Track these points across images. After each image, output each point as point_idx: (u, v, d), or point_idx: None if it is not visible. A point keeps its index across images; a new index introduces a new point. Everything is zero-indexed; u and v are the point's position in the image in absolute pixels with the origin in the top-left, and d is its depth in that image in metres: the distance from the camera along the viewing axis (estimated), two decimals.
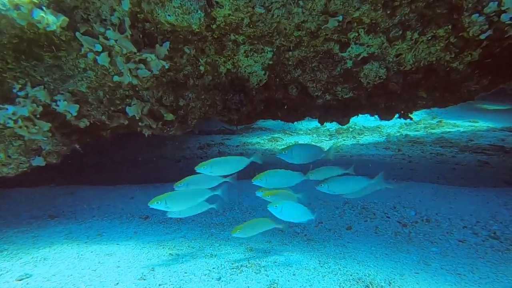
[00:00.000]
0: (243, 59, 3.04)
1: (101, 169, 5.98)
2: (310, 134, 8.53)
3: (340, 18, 2.64)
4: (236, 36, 2.84)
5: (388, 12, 2.65)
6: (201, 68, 3.03)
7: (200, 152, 6.94)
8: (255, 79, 3.20)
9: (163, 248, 2.87)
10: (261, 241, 3.00)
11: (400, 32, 2.75)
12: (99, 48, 2.46)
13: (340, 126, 9.06)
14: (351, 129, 8.66)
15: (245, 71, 3.14)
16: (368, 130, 8.60)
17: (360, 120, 9.66)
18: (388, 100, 3.57)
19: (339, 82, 3.28)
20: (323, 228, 3.31)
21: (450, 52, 2.93)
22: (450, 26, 2.70)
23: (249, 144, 7.52)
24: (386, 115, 3.75)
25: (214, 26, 2.66)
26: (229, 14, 2.52)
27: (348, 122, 3.95)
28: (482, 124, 8.32)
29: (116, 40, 2.42)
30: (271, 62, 3.11)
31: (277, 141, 7.71)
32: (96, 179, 5.20)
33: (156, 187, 4.55)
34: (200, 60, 2.98)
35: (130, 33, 2.43)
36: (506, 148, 5.98)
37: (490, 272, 2.36)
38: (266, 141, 7.77)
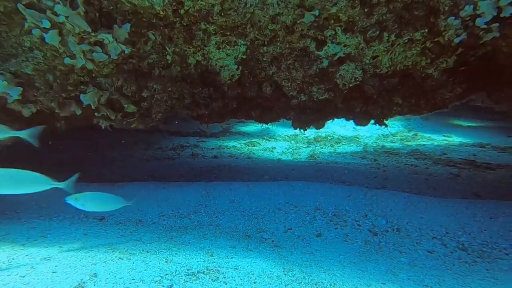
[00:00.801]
0: (214, 51, 2.86)
1: (61, 167, 5.58)
2: (288, 141, 8.42)
3: (317, 12, 2.52)
4: (207, 25, 2.65)
5: (366, 10, 2.55)
6: (168, 57, 2.82)
7: (172, 153, 6.65)
8: (227, 74, 3.02)
9: (113, 251, 2.59)
10: (225, 246, 2.78)
11: (377, 33, 2.65)
12: (47, 24, 2.20)
13: (318, 134, 9.04)
14: (329, 138, 8.64)
15: (216, 64, 2.96)
16: (346, 139, 8.60)
17: (339, 130, 9.70)
18: (364, 104, 3.48)
19: (314, 82, 3.15)
20: (292, 235, 3.13)
21: (426, 57, 2.87)
22: (426, 30, 2.63)
23: (225, 147, 7.30)
24: (362, 119, 3.65)
25: (182, 11, 2.47)
26: None
27: (323, 125, 3.83)
28: (455, 139, 8.52)
29: (67, 17, 2.17)
30: (244, 57, 2.94)
31: (254, 146, 7.54)
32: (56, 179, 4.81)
33: (119, 186, 4.24)
34: (167, 48, 2.77)
35: (84, 10, 2.19)
36: (477, 162, 6.11)
37: (456, 284, 2.26)
38: (243, 145, 7.58)
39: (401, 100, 3.35)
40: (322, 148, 7.80)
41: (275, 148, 7.52)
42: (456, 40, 2.45)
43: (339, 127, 10.20)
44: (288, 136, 8.91)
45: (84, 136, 6.88)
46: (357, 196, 3.68)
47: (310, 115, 3.50)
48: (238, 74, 3.04)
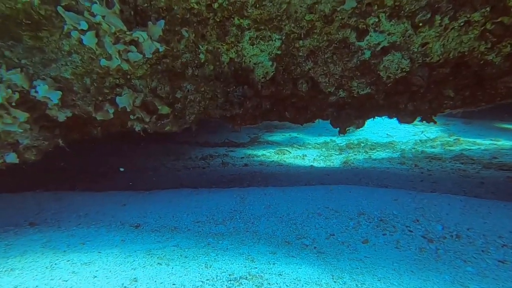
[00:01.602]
0: (248, 47, 2.75)
1: (97, 176, 5.67)
2: (319, 148, 8.13)
3: None
4: (241, 20, 2.55)
5: None
6: (201, 56, 2.74)
7: (202, 162, 6.60)
8: (261, 71, 2.89)
9: (151, 257, 2.47)
10: (265, 252, 2.58)
11: (429, 16, 2.42)
12: (84, 25, 2.19)
13: (350, 141, 8.68)
14: (362, 144, 8.26)
15: (250, 61, 2.84)
16: (380, 146, 8.19)
17: (372, 137, 9.31)
18: (410, 100, 3.20)
19: (355, 76, 2.95)
20: (335, 241, 2.88)
21: (486, 41, 2.58)
22: (488, 8, 2.37)
23: (255, 156, 7.16)
24: (406, 117, 3.37)
25: (216, 6, 2.39)
26: None
27: (363, 124, 3.57)
28: (505, 143, 7.85)
29: (103, 17, 2.15)
30: (279, 52, 2.81)
31: (284, 154, 7.33)
32: (92, 187, 4.87)
33: (152, 193, 4.19)
34: (200, 47, 2.69)
35: (119, 8, 2.16)
36: None
37: None
38: (273, 153, 7.40)
39: (453, 93, 3.05)
40: (356, 154, 7.44)
41: (306, 155, 7.27)
42: None
43: (372, 134, 9.79)
44: (318, 144, 8.63)
45: (116, 146, 7.04)
46: (405, 200, 3.36)
47: (349, 113, 3.27)
48: (273, 71, 2.91)
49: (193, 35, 2.59)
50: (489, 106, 3.03)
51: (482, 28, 2.48)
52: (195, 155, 7.27)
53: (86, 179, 5.49)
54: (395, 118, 3.52)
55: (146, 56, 2.42)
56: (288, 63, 2.92)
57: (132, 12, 2.29)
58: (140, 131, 2.96)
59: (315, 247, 2.75)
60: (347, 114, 3.28)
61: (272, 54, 2.79)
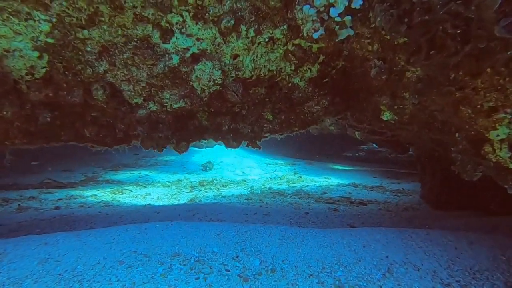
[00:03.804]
0: None
1: None
2: (169, 187, 7.39)
3: None
4: None
5: None
6: None
7: None
8: (22, 63, 2.08)
9: None
10: None
11: (232, 22, 2.22)
12: None
13: (204, 178, 8.32)
14: (215, 182, 7.99)
15: None
16: (233, 183, 8.12)
17: (228, 175, 9.30)
18: (233, 121, 2.96)
19: (165, 86, 2.49)
20: None
21: (290, 63, 2.57)
22: (286, 26, 2.34)
23: (79, 197, 5.78)
24: (231, 140, 3.10)
25: None
26: None
27: (186, 149, 3.12)
28: (333, 180, 9.02)
29: None
30: (51, 41, 2.09)
31: (122, 193, 6.22)
32: None
33: None
34: None
35: None
36: (352, 199, 6.41)
37: None
38: (108, 193, 6.18)
39: (272, 116, 2.96)
40: (206, 192, 7.04)
41: (149, 194, 6.38)
42: (315, 35, 2.19)
43: (228, 172, 9.80)
44: (169, 182, 7.89)
45: None
46: (228, 234, 2.95)
47: (165, 131, 2.76)
48: (44, 67, 2.14)
49: None
50: (301, 131, 3.06)
51: (285, 47, 2.45)
52: None
53: None
54: (221, 142, 3.21)
55: None
56: (71, 60, 2.21)
57: None
58: None
59: None
60: (162, 134, 2.76)
61: (40, 42, 2.05)
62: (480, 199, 4.37)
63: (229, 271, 2.47)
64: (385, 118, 2.76)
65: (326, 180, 9.13)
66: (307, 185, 8.21)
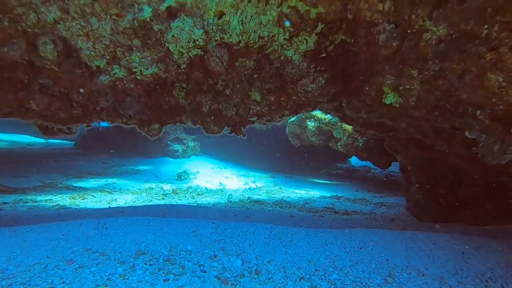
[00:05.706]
0: None
1: None
2: (139, 194, 6.75)
3: None
4: None
5: None
6: None
7: None
8: None
9: None
10: None
11: None
12: None
13: (178, 187, 7.72)
14: (190, 190, 7.43)
15: None
16: (207, 192, 7.59)
17: (204, 184, 8.78)
18: (215, 100, 2.56)
19: (134, 46, 2.07)
20: None
21: (284, 30, 2.25)
22: None
23: (30, 201, 5.02)
24: (213, 124, 2.69)
25: None
26: None
27: (159, 132, 2.67)
28: (315, 193, 8.72)
29: None
30: None
31: (83, 199, 5.53)
32: None
33: None
34: None
35: None
36: (336, 209, 6.13)
37: None
38: (66, 198, 5.46)
39: (259, 96, 2.59)
40: (180, 200, 6.46)
41: (115, 200, 5.73)
42: None
43: (205, 182, 9.26)
44: (140, 190, 7.23)
45: None
46: (205, 231, 2.48)
47: (134, 106, 2.32)
48: None
49: None
50: (293, 116, 2.70)
51: (279, 9, 2.13)
52: None
53: None
54: (199, 125, 2.79)
55: None
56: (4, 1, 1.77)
57: None
58: None
59: None
60: (128, 109, 2.31)
61: None
62: (470, 211, 4.16)
63: (205, 272, 1.99)
64: (387, 102, 2.46)
65: (308, 192, 8.81)
66: (288, 196, 7.83)
